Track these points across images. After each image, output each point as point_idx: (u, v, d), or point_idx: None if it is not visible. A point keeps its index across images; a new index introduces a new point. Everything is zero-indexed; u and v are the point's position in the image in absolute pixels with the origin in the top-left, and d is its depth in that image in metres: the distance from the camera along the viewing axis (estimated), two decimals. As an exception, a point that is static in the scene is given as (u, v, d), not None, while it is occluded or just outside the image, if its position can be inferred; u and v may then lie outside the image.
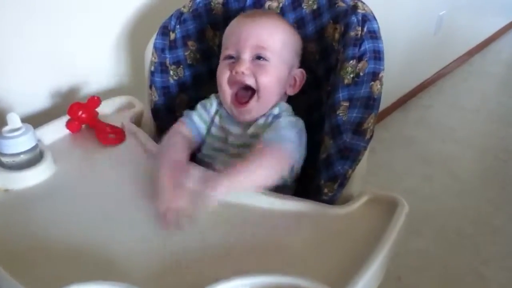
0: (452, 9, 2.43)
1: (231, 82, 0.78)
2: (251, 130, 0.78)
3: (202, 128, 0.82)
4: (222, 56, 0.80)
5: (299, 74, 0.81)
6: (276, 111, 0.78)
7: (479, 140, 2.17)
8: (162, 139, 0.87)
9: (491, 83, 2.77)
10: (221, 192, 0.62)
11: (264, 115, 0.79)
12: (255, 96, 0.77)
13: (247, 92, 0.78)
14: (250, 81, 0.76)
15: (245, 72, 0.75)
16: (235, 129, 0.80)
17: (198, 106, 0.84)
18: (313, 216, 0.67)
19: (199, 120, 0.83)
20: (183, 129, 0.81)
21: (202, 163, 0.79)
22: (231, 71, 0.77)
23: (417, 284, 1.38)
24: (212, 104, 0.83)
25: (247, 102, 0.77)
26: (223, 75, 0.78)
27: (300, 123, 0.78)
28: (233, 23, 0.81)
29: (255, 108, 0.78)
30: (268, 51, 0.76)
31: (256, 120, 0.79)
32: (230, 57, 0.78)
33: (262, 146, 0.70)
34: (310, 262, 0.60)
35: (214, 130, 0.82)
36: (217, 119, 0.82)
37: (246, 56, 0.76)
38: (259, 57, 0.76)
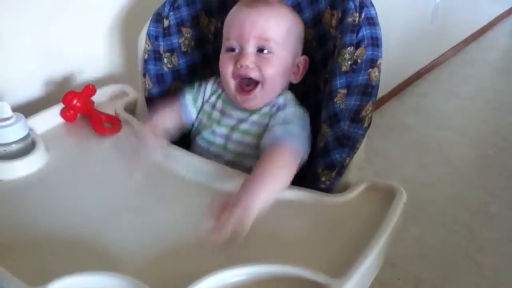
0: (449, -4, 2.42)
1: (235, 74, 0.76)
2: (254, 117, 0.77)
3: (193, 113, 0.83)
4: (224, 48, 0.78)
5: (302, 61, 0.80)
6: (281, 101, 0.77)
7: (475, 128, 2.17)
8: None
9: (487, 71, 2.77)
10: (252, 217, 0.59)
11: (268, 103, 0.78)
12: (259, 86, 0.76)
13: (251, 81, 0.76)
14: (254, 74, 0.75)
15: (250, 66, 0.74)
16: (238, 115, 0.79)
17: (195, 88, 0.84)
18: (311, 205, 0.66)
19: (192, 105, 0.83)
20: (175, 108, 0.83)
21: (201, 147, 0.79)
22: (235, 64, 0.75)
23: (412, 271, 1.38)
24: (207, 88, 0.83)
25: (251, 90, 0.76)
26: (227, 69, 0.76)
27: (307, 115, 0.77)
28: (234, 12, 0.78)
29: (259, 96, 0.76)
30: (272, 43, 0.74)
31: (260, 108, 0.78)
32: (233, 49, 0.76)
33: (270, 150, 0.68)
34: (307, 251, 0.59)
35: (216, 114, 0.80)
36: (219, 104, 0.81)
37: (250, 48, 0.74)
38: (263, 49, 0.74)
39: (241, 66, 0.74)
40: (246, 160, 0.75)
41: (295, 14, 0.79)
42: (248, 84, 0.76)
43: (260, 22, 0.74)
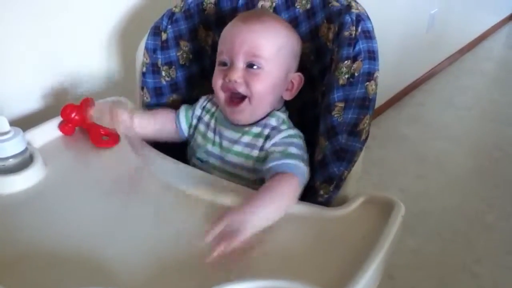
0: (444, 7, 2.44)
1: (225, 88, 0.77)
2: (246, 139, 0.77)
3: (183, 124, 0.84)
4: (217, 61, 0.79)
5: (296, 78, 0.79)
6: (273, 122, 0.77)
7: (472, 138, 2.18)
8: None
9: (483, 81, 2.78)
10: (245, 235, 0.60)
11: (258, 123, 0.78)
12: (247, 101, 0.76)
13: (239, 95, 0.76)
14: (241, 89, 0.75)
15: (238, 81, 0.74)
16: (230, 134, 0.79)
17: (191, 108, 0.85)
18: (309, 218, 0.66)
19: (184, 120, 0.84)
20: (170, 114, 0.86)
21: (196, 167, 0.79)
22: (224, 78, 0.76)
23: (410, 283, 1.37)
24: (197, 106, 0.84)
25: (239, 103, 0.76)
26: (217, 82, 0.77)
27: (302, 139, 0.76)
28: (229, 27, 0.78)
29: (247, 110, 0.76)
30: (261, 59, 0.74)
31: (250, 126, 0.78)
32: (224, 63, 0.77)
33: (272, 179, 0.69)
34: (306, 265, 0.59)
35: (209, 134, 0.81)
36: (213, 123, 0.81)
37: (239, 64, 0.75)
38: (252, 65, 0.75)
39: (230, 81, 0.75)
40: (242, 183, 0.74)
41: (290, 30, 0.79)
42: (236, 98, 0.77)
43: (250, 38, 0.75)
